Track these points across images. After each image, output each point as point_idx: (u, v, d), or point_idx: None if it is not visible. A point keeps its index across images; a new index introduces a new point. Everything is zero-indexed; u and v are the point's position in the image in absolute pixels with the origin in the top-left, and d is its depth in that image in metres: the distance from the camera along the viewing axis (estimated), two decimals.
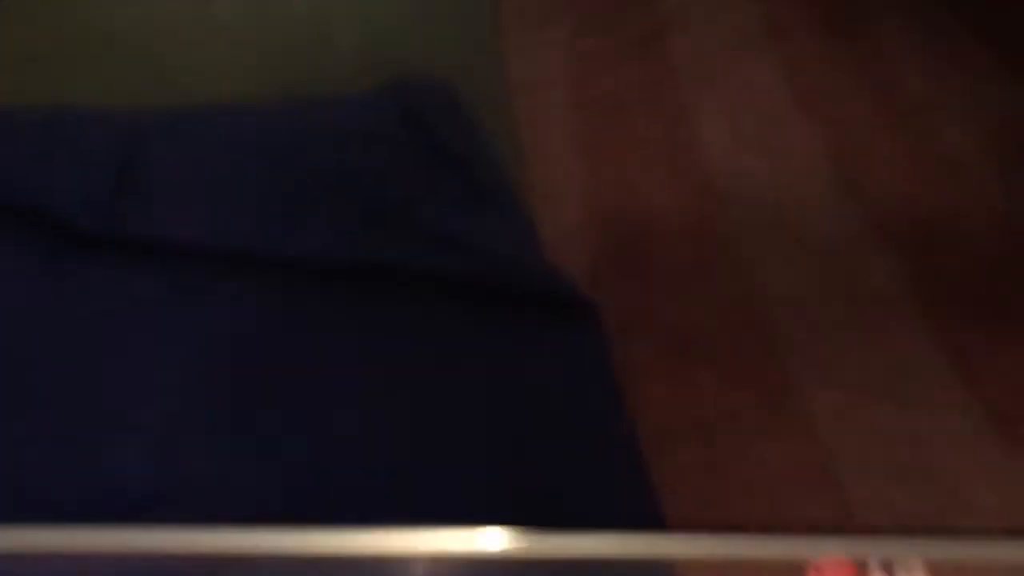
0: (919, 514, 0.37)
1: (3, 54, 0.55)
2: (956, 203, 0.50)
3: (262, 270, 0.38)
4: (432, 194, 0.36)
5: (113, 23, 0.57)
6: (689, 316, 0.34)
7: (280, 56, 0.40)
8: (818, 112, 0.51)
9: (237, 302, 0.38)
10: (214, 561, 0.34)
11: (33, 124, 0.42)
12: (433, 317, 0.35)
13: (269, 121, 0.41)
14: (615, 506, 0.34)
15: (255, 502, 0.35)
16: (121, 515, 0.37)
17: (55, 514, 0.36)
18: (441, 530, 0.32)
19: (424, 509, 0.34)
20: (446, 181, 0.36)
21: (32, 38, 0.57)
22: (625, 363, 0.34)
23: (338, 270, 0.37)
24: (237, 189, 0.40)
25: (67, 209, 0.41)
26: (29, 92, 0.49)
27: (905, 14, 0.62)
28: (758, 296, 0.37)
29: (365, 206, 0.37)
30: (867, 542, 0.35)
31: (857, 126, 0.53)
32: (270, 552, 0.33)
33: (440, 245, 0.35)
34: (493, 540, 0.31)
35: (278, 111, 0.41)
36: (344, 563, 0.32)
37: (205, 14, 0.47)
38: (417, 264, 0.35)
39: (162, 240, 0.38)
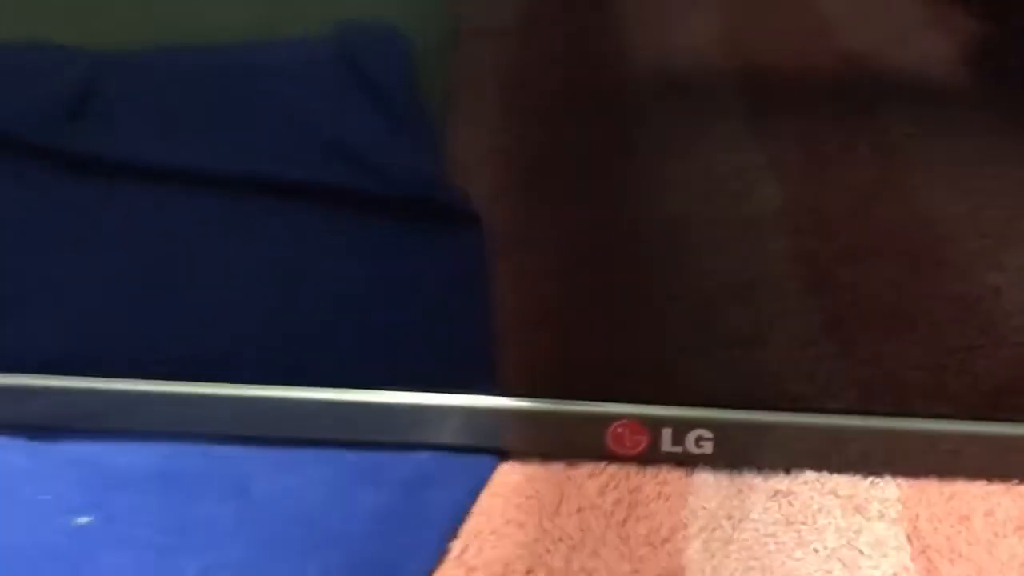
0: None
1: None
2: None
3: (197, 185, 0.48)
4: (354, 125, 0.45)
5: None
6: (574, 238, 0.43)
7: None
8: None
9: (172, 210, 0.48)
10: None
11: None
12: (343, 227, 0.47)
13: (220, 60, 0.50)
14: (461, 375, 0.45)
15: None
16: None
17: None
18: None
19: (324, 371, 0.45)
20: (369, 114, 0.44)
21: None
22: (506, 272, 0.42)
23: (261, 186, 0.47)
24: (182, 117, 0.50)
25: (16, 127, 0.49)
26: None
27: None
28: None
29: (292, 133, 0.47)
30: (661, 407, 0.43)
31: None
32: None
33: (357, 167, 0.46)
34: None
35: (230, 51, 0.50)
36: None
37: None
38: (333, 181, 0.46)
39: (109, 158, 0.48)
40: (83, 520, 0.40)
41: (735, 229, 0.44)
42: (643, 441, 0.43)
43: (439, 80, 0.44)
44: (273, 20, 0.47)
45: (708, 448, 0.43)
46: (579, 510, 0.41)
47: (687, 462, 0.43)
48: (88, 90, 0.50)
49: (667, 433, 0.43)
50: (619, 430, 0.43)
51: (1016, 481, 0.42)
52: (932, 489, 0.42)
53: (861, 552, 0.38)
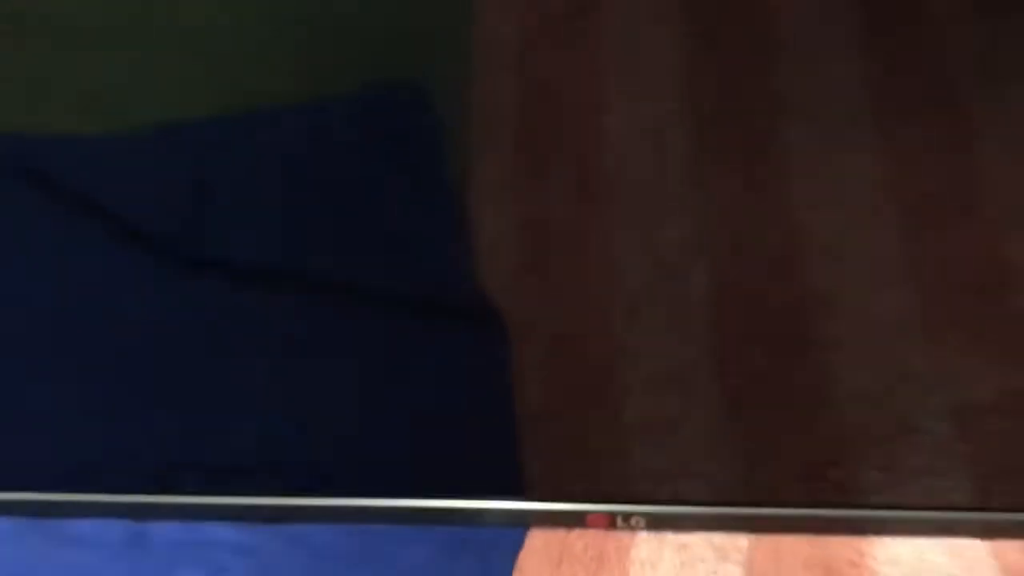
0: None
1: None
2: None
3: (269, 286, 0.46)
4: (384, 211, 0.42)
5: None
6: (592, 327, 0.42)
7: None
8: None
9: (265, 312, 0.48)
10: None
11: (112, 147, 0.46)
12: (367, 320, 0.44)
13: (273, 131, 0.46)
14: (483, 475, 0.52)
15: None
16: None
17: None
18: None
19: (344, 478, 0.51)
20: (399, 197, 0.42)
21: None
22: (527, 365, 0.43)
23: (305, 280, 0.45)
24: (255, 205, 0.46)
25: (153, 226, 0.46)
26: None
27: None
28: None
29: (335, 222, 0.44)
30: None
31: None
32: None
33: (384, 262, 0.43)
34: None
35: (280, 119, 0.45)
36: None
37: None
38: (362, 279, 0.44)
39: (226, 258, 0.46)
40: None
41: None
42: (606, 520, 0.75)
43: (462, 152, 0.42)
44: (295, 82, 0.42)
45: (643, 524, 0.75)
46: (571, 565, 0.77)
47: (632, 530, 0.76)
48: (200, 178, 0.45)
49: (619, 517, 0.75)
50: (592, 515, 0.75)
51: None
52: (780, 540, 0.75)
53: None
